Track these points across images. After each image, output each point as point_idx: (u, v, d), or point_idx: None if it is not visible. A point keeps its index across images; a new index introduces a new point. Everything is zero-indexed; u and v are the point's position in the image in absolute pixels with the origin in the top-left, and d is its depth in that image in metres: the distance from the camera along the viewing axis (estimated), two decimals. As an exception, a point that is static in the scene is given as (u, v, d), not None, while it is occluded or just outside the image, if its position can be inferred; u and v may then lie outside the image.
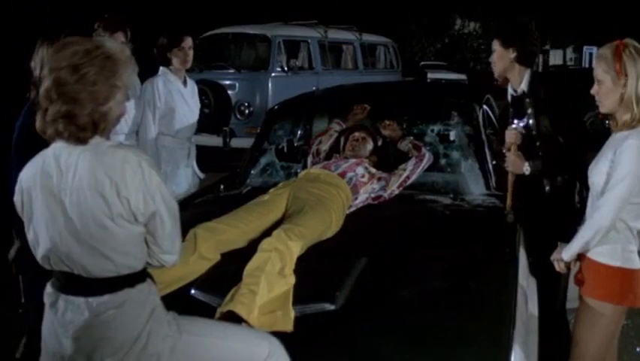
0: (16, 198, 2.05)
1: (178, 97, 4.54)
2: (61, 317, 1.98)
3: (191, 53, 4.54)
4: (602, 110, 2.67)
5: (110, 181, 1.90)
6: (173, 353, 2.01)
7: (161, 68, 4.56)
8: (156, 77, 4.51)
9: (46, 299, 2.04)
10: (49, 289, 2.05)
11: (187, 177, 4.66)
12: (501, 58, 3.44)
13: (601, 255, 2.63)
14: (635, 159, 2.49)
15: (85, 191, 1.90)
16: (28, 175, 2.00)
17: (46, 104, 1.93)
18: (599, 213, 2.56)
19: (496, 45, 3.45)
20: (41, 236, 1.97)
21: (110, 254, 1.94)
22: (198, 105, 4.76)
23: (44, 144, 2.01)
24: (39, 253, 2.00)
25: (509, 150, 3.31)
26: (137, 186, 1.93)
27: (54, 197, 1.94)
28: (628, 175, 2.50)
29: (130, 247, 1.98)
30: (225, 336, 2.13)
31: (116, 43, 2.11)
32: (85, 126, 1.93)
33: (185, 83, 4.61)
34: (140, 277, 2.02)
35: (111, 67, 1.96)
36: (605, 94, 2.63)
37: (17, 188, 2.04)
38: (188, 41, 4.53)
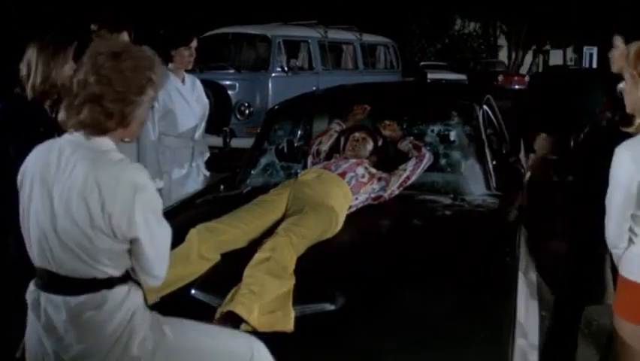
0: (19, 178, 2.03)
1: (177, 97, 4.50)
2: (42, 316, 1.96)
3: (194, 53, 4.52)
4: (627, 109, 2.60)
5: (99, 192, 1.87)
6: (156, 355, 1.97)
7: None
8: None
9: (29, 297, 2.01)
10: (31, 287, 2.02)
11: (193, 176, 4.64)
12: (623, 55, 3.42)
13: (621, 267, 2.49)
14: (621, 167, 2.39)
15: (74, 193, 1.88)
16: (33, 159, 2.00)
17: (78, 90, 1.90)
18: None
19: (618, 41, 3.44)
20: (32, 223, 1.96)
21: (89, 260, 1.91)
22: (203, 103, 4.70)
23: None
24: (28, 243, 1.99)
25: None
26: (123, 206, 1.87)
27: (47, 189, 1.92)
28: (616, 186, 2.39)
29: (109, 258, 1.93)
30: (209, 338, 2.10)
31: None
32: (112, 113, 1.91)
33: (183, 81, 4.58)
34: (120, 279, 1.97)
35: (149, 60, 1.97)
36: (627, 92, 2.54)
37: (21, 168, 2.02)
38: (195, 41, 4.52)
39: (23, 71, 2.87)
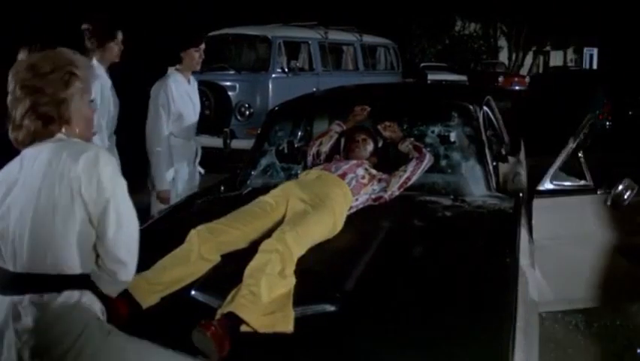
0: None
1: (186, 98, 4.58)
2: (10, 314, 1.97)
3: (203, 55, 4.62)
4: None
5: (64, 168, 1.93)
6: None
7: (169, 68, 4.55)
8: (166, 78, 4.49)
9: None
10: None
11: (193, 175, 4.71)
12: None
13: None
14: None
15: (38, 179, 1.94)
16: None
17: (14, 106, 2.01)
18: None
19: None
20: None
21: (50, 246, 1.93)
22: (199, 104, 4.79)
23: None
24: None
25: None
26: (90, 173, 1.94)
27: (10, 188, 1.99)
28: None
29: (70, 243, 1.95)
30: None
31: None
32: (50, 115, 2.01)
33: (189, 82, 4.64)
34: (81, 280, 1.98)
35: (65, 58, 2.07)
36: None
37: None
38: (204, 43, 4.64)
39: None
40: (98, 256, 2.02)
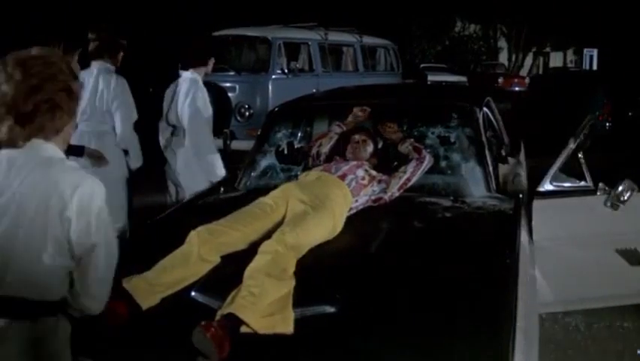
0: None
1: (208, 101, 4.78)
2: None
3: None
4: None
5: (58, 198, 1.88)
6: None
7: (193, 71, 4.79)
8: (199, 82, 4.76)
9: None
10: None
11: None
12: None
13: None
14: None
15: (28, 201, 1.89)
16: None
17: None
18: None
19: None
20: None
21: (30, 272, 1.88)
22: None
23: None
24: None
25: None
26: (83, 211, 1.90)
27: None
28: None
29: (50, 277, 1.92)
30: None
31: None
32: (24, 113, 1.92)
33: None
34: (55, 306, 1.96)
35: (34, 62, 1.97)
36: None
37: None
38: None
39: None
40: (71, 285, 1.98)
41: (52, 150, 1.99)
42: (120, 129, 4.59)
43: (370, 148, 3.81)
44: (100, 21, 4.71)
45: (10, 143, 1.95)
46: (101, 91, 4.56)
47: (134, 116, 4.70)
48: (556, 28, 35.22)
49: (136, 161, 4.78)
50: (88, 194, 1.92)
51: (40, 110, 1.95)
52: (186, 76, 4.77)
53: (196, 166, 4.63)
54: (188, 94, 4.63)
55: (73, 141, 3.79)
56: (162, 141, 4.99)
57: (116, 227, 4.56)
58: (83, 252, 1.93)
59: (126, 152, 4.73)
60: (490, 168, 3.70)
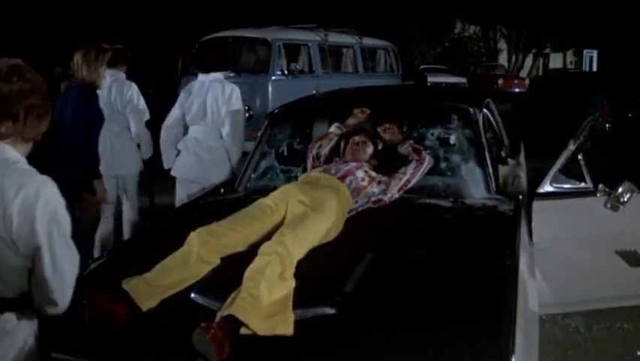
0: None
1: None
2: None
3: None
4: None
5: (2, 197, 1.88)
6: None
7: (223, 74, 5.18)
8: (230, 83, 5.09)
9: None
10: None
11: None
12: None
13: None
14: None
15: None
16: None
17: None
18: None
19: None
20: None
21: None
22: None
23: None
24: None
25: None
26: (26, 212, 1.89)
27: None
28: None
29: (7, 274, 1.92)
30: None
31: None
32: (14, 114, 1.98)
33: None
34: (14, 303, 1.96)
35: (26, 70, 2.03)
36: None
37: None
38: None
39: (74, 67, 4.56)
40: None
41: (10, 152, 2.01)
42: (134, 128, 5.24)
43: (370, 149, 3.81)
44: (100, 21, 4.89)
45: None
46: (114, 97, 5.17)
47: (146, 116, 5.33)
48: (556, 30, 35.23)
49: (147, 152, 5.38)
50: (32, 195, 1.90)
51: (31, 114, 2.00)
52: (216, 77, 5.03)
53: (224, 165, 4.91)
54: (230, 95, 4.94)
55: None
56: (169, 140, 5.12)
57: (131, 220, 5.39)
58: (29, 252, 1.93)
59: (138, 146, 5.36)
60: (490, 170, 3.70)
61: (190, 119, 4.97)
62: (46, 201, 1.93)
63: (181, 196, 4.92)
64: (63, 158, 4.32)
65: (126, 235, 5.38)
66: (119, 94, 5.17)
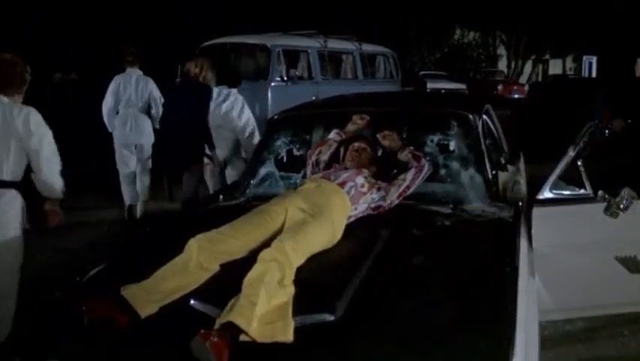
0: None
1: None
2: None
3: None
4: None
5: (12, 117, 3.64)
6: None
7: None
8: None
9: None
10: None
11: None
12: None
13: None
14: None
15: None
16: None
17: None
18: None
19: None
20: None
21: None
22: None
23: None
24: None
25: None
26: (24, 122, 3.62)
27: None
28: None
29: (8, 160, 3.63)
30: None
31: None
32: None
33: None
34: (12, 183, 3.66)
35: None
36: None
37: None
38: None
39: (196, 69, 5.74)
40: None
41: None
42: (154, 110, 7.22)
43: (369, 156, 3.81)
44: (100, 21, 5.02)
45: None
46: (135, 88, 7.22)
47: (162, 100, 6.85)
48: (555, 36, 35.30)
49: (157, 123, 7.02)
50: (25, 114, 3.67)
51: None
52: (234, 92, 6.28)
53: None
54: (244, 109, 6.23)
55: (117, 121, 7.26)
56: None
57: (141, 199, 7.55)
58: (31, 150, 3.66)
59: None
60: (490, 176, 3.70)
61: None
62: (34, 117, 3.66)
63: None
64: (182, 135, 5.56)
65: (141, 195, 7.47)
66: (139, 86, 7.21)
